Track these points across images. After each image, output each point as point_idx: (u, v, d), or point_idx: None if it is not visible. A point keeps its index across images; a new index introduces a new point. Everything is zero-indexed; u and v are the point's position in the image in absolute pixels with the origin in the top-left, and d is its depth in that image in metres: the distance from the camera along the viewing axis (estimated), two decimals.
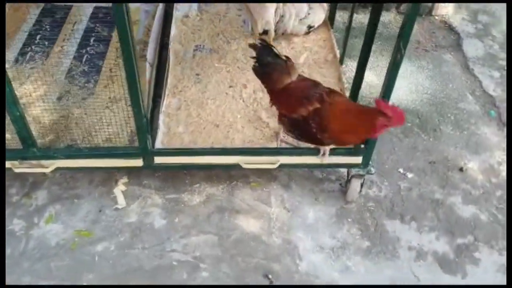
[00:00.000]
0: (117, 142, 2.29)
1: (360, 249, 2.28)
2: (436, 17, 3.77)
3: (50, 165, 2.19)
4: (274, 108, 2.30)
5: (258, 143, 2.34)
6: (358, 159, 2.32)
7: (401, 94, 3.08)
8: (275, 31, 2.92)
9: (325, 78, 2.72)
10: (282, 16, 2.90)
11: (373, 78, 3.19)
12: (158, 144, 2.31)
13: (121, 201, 2.38)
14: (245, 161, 2.28)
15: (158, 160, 2.25)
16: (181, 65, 2.76)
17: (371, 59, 3.20)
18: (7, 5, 3.01)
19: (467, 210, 2.47)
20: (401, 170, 2.64)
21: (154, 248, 2.22)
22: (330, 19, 3.09)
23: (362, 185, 2.43)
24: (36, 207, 2.35)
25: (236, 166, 2.28)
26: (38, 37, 2.90)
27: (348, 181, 2.42)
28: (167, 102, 2.54)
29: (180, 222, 2.33)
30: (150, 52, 2.78)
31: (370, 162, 2.37)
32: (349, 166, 2.36)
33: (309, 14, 2.94)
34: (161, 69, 2.75)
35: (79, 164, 2.22)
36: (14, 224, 2.27)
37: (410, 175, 2.62)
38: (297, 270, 2.19)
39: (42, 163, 2.18)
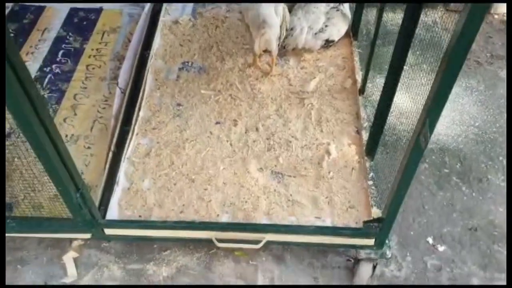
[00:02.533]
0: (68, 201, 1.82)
1: None
2: (496, 16, 3.02)
3: None
4: (267, 155, 1.88)
5: (240, 208, 1.81)
6: (369, 241, 1.75)
7: (439, 126, 2.43)
8: (284, 47, 2.33)
9: (338, 113, 2.14)
10: (291, 30, 2.30)
11: (408, 103, 2.53)
12: (114, 205, 1.83)
13: (72, 271, 1.93)
14: (219, 236, 1.77)
15: (109, 231, 1.78)
16: (160, 91, 2.23)
17: (407, 74, 2.56)
18: None
19: None
20: (430, 240, 2.05)
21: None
22: (354, 29, 2.44)
23: (374, 269, 1.87)
24: None
25: (210, 243, 1.78)
26: None
27: (356, 263, 1.87)
28: (135, 144, 2.03)
29: None
30: (124, 73, 2.26)
31: (387, 242, 1.81)
32: (357, 247, 1.81)
33: (326, 26, 2.32)
34: (134, 97, 2.21)
35: (21, 231, 1.78)
36: None
37: (441, 248, 2.02)
38: None
39: None
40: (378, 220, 1.70)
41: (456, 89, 2.60)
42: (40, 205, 1.80)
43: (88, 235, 1.76)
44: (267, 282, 1.92)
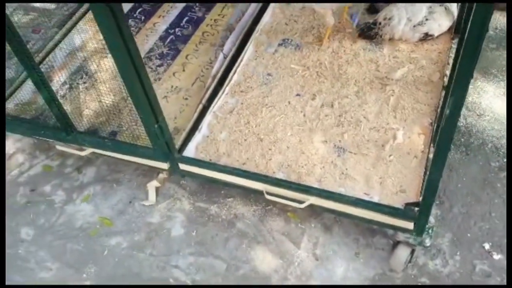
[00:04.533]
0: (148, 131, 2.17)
1: None
2: None
3: (86, 150, 2.20)
4: (334, 130, 2.04)
5: (295, 170, 1.98)
6: (409, 224, 1.78)
7: None
8: (381, 36, 2.40)
9: (418, 103, 2.16)
10: (389, 19, 2.36)
11: (502, 108, 2.43)
12: (192, 148, 2.12)
13: (151, 198, 2.30)
14: (269, 190, 1.96)
15: (183, 167, 2.08)
16: (256, 61, 2.48)
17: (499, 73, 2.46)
18: None
19: None
20: (486, 246, 1.98)
21: (160, 258, 2.10)
22: (458, 25, 2.40)
23: (412, 255, 1.89)
24: (80, 183, 2.42)
25: (262, 194, 1.98)
26: (138, 10, 2.90)
27: (395, 245, 1.90)
28: (223, 101, 2.31)
29: (196, 236, 2.15)
30: (229, 42, 2.55)
31: (429, 231, 1.82)
32: (397, 229, 1.84)
33: (426, 20, 2.33)
34: (234, 62, 2.49)
35: (111, 153, 2.18)
36: (56, 195, 2.39)
37: (497, 256, 1.94)
38: None
39: (80, 146, 2.20)
40: (417, 204, 1.73)
41: None
42: (137, 136, 2.18)
43: (165, 165, 2.08)
44: (310, 247, 2.06)
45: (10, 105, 2.44)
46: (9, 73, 2.60)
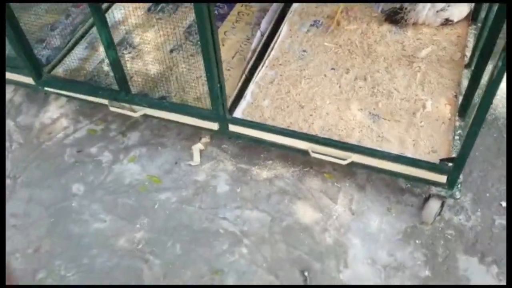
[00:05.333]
0: (205, 103, 2.35)
1: (417, 277, 2.02)
2: None
3: (138, 110, 2.37)
4: (369, 100, 2.26)
5: (336, 133, 2.19)
6: (442, 178, 2.02)
7: None
8: (406, 20, 2.64)
9: (442, 78, 2.40)
10: (414, 5, 2.60)
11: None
12: (239, 113, 2.32)
13: (196, 159, 2.47)
14: (314, 149, 2.16)
15: (232, 128, 2.27)
16: (291, 39, 2.69)
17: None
18: None
19: None
20: (503, 204, 2.23)
21: (209, 211, 2.28)
22: (475, 13, 2.67)
23: (442, 208, 2.13)
24: (125, 146, 2.57)
25: (306, 153, 2.19)
26: None
27: (427, 199, 2.13)
28: (263, 73, 2.51)
29: (241, 193, 2.34)
30: (266, 21, 2.76)
31: (459, 186, 2.05)
32: (431, 183, 2.07)
33: (448, 6, 2.58)
34: (271, 40, 2.69)
35: (164, 115, 2.36)
36: (103, 156, 2.54)
37: None
38: (337, 276, 2.04)
39: (133, 107, 2.37)
40: (452, 159, 1.96)
41: None
42: (185, 101, 2.36)
43: (216, 126, 2.26)
44: (346, 202, 2.27)
45: (59, 70, 2.58)
46: (55, 42, 2.74)
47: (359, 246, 2.13)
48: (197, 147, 2.50)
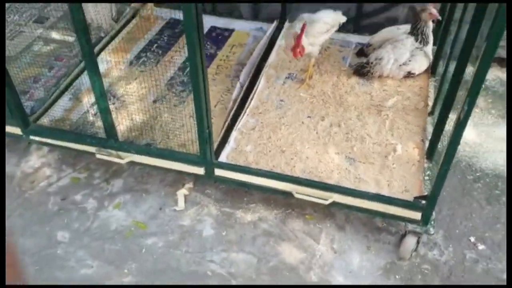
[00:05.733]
0: (189, 149, 2.46)
1: None
2: None
3: (125, 157, 2.44)
4: (344, 144, 2.46)
5: (316, 175, 2.33)
6: (417, 215, 2.18)
7: (498, 159, 2.80)
8: (372, 73, 2.88)
9: (409, 125, 2.62)
10: (380, 59, 2.86)
11: (472, 136, 2.96)
12: (223, 158, 2.43)
13: (181, 204, 2.54)
14: (298, 190, 2.29)
15: (218, 172, 2.37)
16: (269, 90, 2.87)
17: (478, 115, 3.00)
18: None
19: None
20: (472, 239, 2.40)
21: (196, 255, 2.33)
22: (433, 67, 2.95)
23: (418, 244, 2.27)
24: (110, 193, 2.62)
25: (289, 194, 2.31)
26: (155, 45, 3.25)
27: (403, 236, 2.28)
28: (245, 121, 2.66)
29: (226, 236, 2.41)
30: (244, 74, 2.94)
31: (432, 222, 2.22)
32: (406, 220, 2.23)
33: (410, 61, 2.85)
34: (250, 91, 2.87)
35: (150, 161, 2.44)
36: (88, 203, 2.57)
37: (481, 247, 2.37)
38: None
39: (119, 154, 2.44)
40: (425, 197, 2.14)
41: None
42: (170, 148, 2.46)
43: (202, 171, 2.36)
44: (328, 242, 2.38)
45: (45, 121, 2.64)
46: (39, 93, 2.82)
47: (343, 282, 2.22)
48: (182, 192, 2.57)
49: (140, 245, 2.37)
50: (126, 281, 2.23)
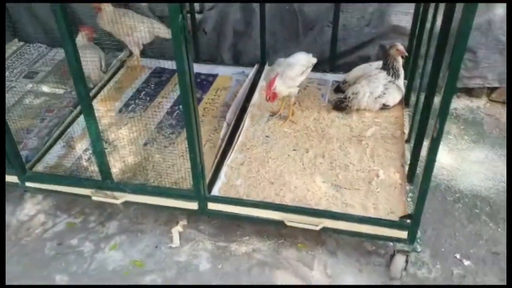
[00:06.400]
0: (182, 186, 2.55)
1: None
2: None
3: (120, 197, 2.52)
4: (329, 173, 2.60)
5: (306, 204, 2.45)
6: (403, 234, 2.29)
7: (474, 180, 2.97)
8: (350, 107, 3.07)
9: (388, 152, 2.78)
10: (356, 93, 3.05)
11: (449, 161, 3.13)
12: (215, 192, 2.53)
13: (176, 241, 2.61)
14: (289, 218, 2.39)
15: (211, 206, 2.47)
16: (254, 127, 3.02)
17: (452, 141, 3.19)
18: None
19: None
20: (457, 256, 2.51)
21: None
22: (406, 99, 3.16)
23: (407, 263, 2.37)
24: (106, 235, 2.67)
25: (282, 224, 2.41)
26: (143, 93, 3.40)
27: (393, 256, 2.38)
28: (234, 157, 2.78)
29: (222, 268, 2.47)
30: (230, 113, 3.09)
31: (418, 240, 2.33)
32: (394, 240, 2.34)
33: (384, 94, 3.05)
34: (236, 129, 3.01)
35: (144, 200, 2.52)
36: (84, 246, 2.61)
37: (466, 263, 2.48)
38: None
39: (115, 194, 2.52)
40: (409, 216, 2.26)
41: (492, 155, 3.16)
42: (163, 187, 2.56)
43: (195, 206, 2.45)
44: (321, 268, 2.47)
45: (39, 168, 2.72)
46: (33, 143, 2.92)
47: None
48: (176, 229, 2.65)
49: (138, 282, 2.42)
50: None
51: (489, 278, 2.40)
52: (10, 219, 2.79)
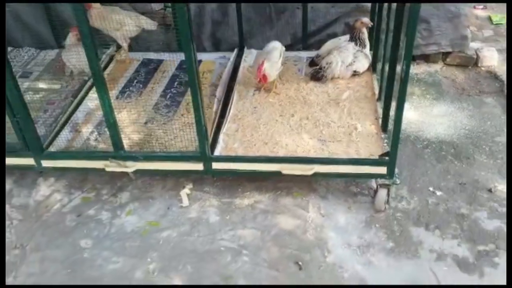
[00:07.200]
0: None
1: (384, 249, 2.57)
2: (483, 68, 4.08)
3: (132, 166, 2.81)
4: (314, 130, 2.96)
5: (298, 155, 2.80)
6: (383, 169, 2.67)
7: (439, 129, 3.39)
8: (326, 76, 3.45)
9: (363, 110, 3.17)
10: (330, 63, 3.44)
11: (415, 116, 3.55)
12: (217, 153, 2.85)
13: (185, 201, 2.91)
14: (284, 168, 2.74)
15: (215, 165, 2.79)
16: (242, 101, 3.36)
17: (416, 100, 3.61)
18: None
19: (491, 224, 2.67)
20: (431, 189, 2.92)
21: (207, 237, 2.69)
22: (373, 67, 3.57)
23: (388, 196, 2.75)
24: (120, 204, 2.95)
25: (279, 174, 2.75)
26: (135, 81, 3.68)
27: (376, 191, 2.76)
28: (228, 126, 3.11)
29: (230, 219, 2.79)
30: (219, 91, 3.42)
31: (396, 175, 2.71)
32: (376, 176, 2.72)
33: (354, 62, 3.45)
34: (226, 104, 3.34)
35: (154, 166, 2.82)
36: (102, 215, 2.88)
37: (439, 193, 2.88)
38: (324, 260, 2.52)
39: (126, 164, 2.81)
40: (387, 153, 2.65)
41: (452, 109, 3.61)
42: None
43: (201, 166, 2.77)
44: (315, 210, 2.82)
45: (52, 149, 2.98)
46: (41, 130, 3.16)
47: (335, 237, 2.65)
48: (184, 191, 2.95)
49: (156, 238, 2.71)
50: (151, 267, 2.55)
51: (458, 204, 2.81)
52: (28, 201, 3.02)
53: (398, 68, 2.61)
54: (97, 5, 3.59)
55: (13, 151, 2.87)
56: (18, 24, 4.23)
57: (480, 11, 4.94)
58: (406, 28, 2.22)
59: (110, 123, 2.66)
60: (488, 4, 5.05)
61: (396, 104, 2.45)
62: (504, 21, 4.70)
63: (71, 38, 3.63)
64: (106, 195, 3.02)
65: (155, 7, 4.04)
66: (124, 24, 3.63)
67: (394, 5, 2.68)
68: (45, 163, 2.89)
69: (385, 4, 3.08)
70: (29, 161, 2.89)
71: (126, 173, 2.97)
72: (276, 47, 3.41)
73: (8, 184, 3.15)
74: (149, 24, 3.73)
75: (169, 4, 3.97)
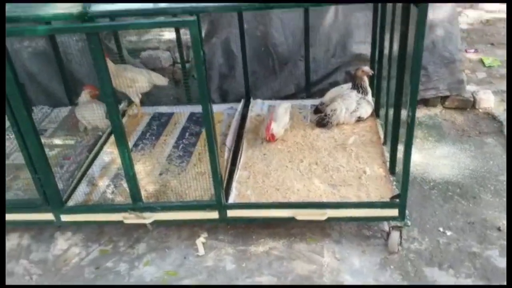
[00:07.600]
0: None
1: None
2: (480, 110, 4.23)
3: (149, 217, 2.89)
4: (324, 175, 3.06)
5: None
6: (395, 212, 2.75)
7: (444, 171, 3.50)
8: (331, 122, 3.60)
9: (370, 153, 3.28)
10: (334, 110, 3.59)
11: (419, 158, 3.66)
12: (231, 200, 2.94)
13: (201, 250, 2.97)
14: (298, 213, 2.82)
15: (230, 213, 2.87)
16: (252, 149, 3.48)
17: (419, 143, 3.73)
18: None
19: (504, 262, 2.72)
20: (441, 229, 2.99)
21: (225, 285, 2.73)
22: (376, 112, 3.71)
23: (401, 237, 2.82)
24: (137, 255, 3.00)
25: (293, 220, 2.83)
26: (148, 134, 3.82)
27: (389, 233, 2.83)
28: (240, 174, 3.22)
29: (246, 266, 2.84)
30: (229, 140, 3.55)
31: (407, 217, 2.79)
32: (387, 218, 2.80)
33: (357, 108, 3.60)
34: (236, 152, 3.46)
35: (170, 216, 2.90)
36: (120, 266, 2.93)
37: (449, 233, 2.95)
38: None
39: (144, 215, 2.89)
40: (398, 196, 2.74)
41: (454, 150, 3.73)
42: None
43: (216, 215, 2.85)
44: (330, 254, 2.88)
45: (71, 203, 3.06)
46: (58, 185, 3.26)
47: (351, 280, 2.69)
48: (200, 240, 3.02)
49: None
50: None
51: (469, 243, 2.87)
52: (46, 255, 3.07)
53: (402, 113, 2.77)
54: (111, 64, 3.78)
55: (33, 207, 2.96)
56: (33, 84, 4.40)
57: (471, 54, 5.18)
58: (410, 76, 2.37)
59: (130, 176, 2.76)
60: (479, 47, 5.29)
61: (404, 148, 2.57)
62: (496, 64, 4.91)
63: (85, 95, 3.80)
64: (123, 247, 3.08)
65: (165, 64, 4.25)
66: (136, 81, 3.80)
67: (395, 53, 2.85)
68: (64, 218, 2.97)
69: (385, 52, 3.26)
70: (48, 216, 2.97)
71: (142, 225, 3.04)
72: (280, 105, 3.66)
73: (26, 240, 3.20)
74: (160, 80, 3.92)
75: (178, 60, 4.18)
